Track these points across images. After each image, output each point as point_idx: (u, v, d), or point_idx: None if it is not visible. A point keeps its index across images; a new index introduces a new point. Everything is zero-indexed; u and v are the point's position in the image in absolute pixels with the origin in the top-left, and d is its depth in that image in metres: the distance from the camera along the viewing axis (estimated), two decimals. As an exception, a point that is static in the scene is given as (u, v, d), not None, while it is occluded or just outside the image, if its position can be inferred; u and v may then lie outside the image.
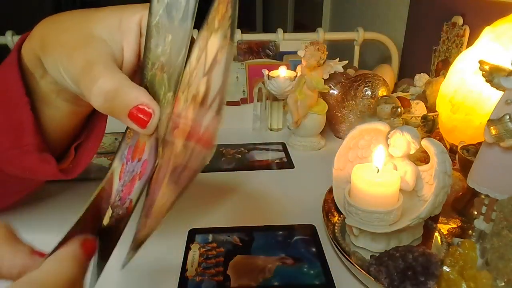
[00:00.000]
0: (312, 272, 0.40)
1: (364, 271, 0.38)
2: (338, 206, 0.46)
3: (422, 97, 0.77)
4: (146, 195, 0.27)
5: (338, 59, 0.68)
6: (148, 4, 0.30)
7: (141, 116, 0.28)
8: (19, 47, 0.35)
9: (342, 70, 0.69)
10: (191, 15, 0.26)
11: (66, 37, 0.31)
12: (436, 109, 0.63)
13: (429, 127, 0.65)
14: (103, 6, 0.33)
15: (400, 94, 0.82)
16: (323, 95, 0.71)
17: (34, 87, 0.35)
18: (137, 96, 0.28)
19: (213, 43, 0.25)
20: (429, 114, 0.66)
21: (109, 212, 0.28)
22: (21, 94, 0.34)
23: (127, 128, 0.32)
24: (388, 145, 0.44)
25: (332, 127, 0.76)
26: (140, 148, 0.30)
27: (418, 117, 0.67)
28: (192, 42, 0.27)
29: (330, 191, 0.51)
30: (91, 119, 0.41)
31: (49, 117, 0.37)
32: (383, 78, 0.71)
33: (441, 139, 0.62)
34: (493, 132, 0.39)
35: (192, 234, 0.46)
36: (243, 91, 0.87)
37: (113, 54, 0.31)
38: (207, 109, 0.24)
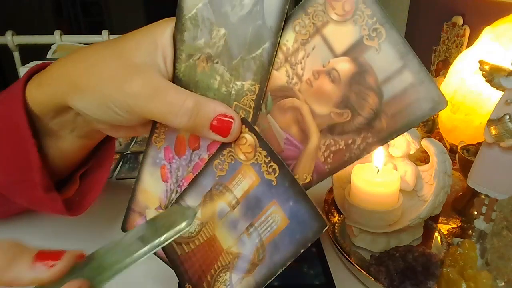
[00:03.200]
0: (312, 272, 0.40)
1: (364, 271, 0.38)
2: (338, 206, 0.46)
3: (422, 97, 0.77)
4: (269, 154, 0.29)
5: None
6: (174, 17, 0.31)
7: (222, 125, 0.29)
8: (23, 87, 0.33)
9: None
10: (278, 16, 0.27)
11: (108, 74, 0.30)
12: (436, 109, 0.63)
13: (429, 127, 0.65)
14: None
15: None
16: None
17: (41, 125, 0.34)
18: (214, 107, 0.29)
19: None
20: (429, 114, 0.66)
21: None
22: (28, 135, 0.33)
23: (151, 135, 0.34)
24: (388, 145, 0.44)
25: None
26: (183, 142, 0.32)
27: (418, 117, 0.67)
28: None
29: (330, 191, 0.51)
30: (98, 150, 0.41)
31: (56, 150, 0.36)
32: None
33: (441, 139, 0.62)
34: (493, 132, 0.39)
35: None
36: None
37: (164, 74, 0.31)
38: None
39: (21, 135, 0.33)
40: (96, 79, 0.30)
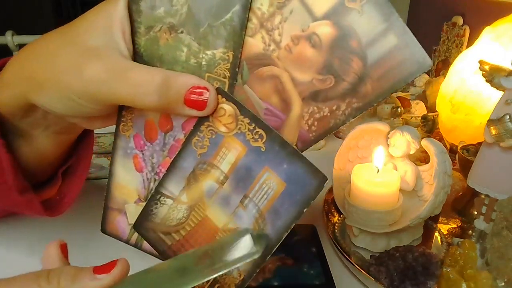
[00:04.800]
0: (312, 272, 0.40)
1: (364, 271, 0.38)
2: (338, 206, 0.46)
3: (422, 97, 0.77)
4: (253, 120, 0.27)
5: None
6: None
7: (197, 98, 0.27)
8: None
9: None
10: None
11: (64, 63, 0.28)
12: (436, 109, 0.63)
13: (429, 127, 0.65)
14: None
15: (400, 94, 0.82)
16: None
17: (11, 126, 0.33)
18: (186, 80, 0.27)
19: None
20: (429, 114, 0.66)
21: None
22: None
23: (118, 125, 0.32)
24: (388, 145, 0.44)
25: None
26: (153, 125, 0.30)
27: (418, 117, 0.67)
28: None
29: (330, 191, 0.51)
30: (77, 147, 0.39)
31: (30, 150, 0.35)
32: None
33: (441, 139, 0.62)
34: (493, 132, 0.39)
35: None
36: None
37: (124, 53, 0.29)
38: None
39: None
40: (53, 71, 0.28)
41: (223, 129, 0.28)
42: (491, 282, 0.34)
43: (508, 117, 0.38)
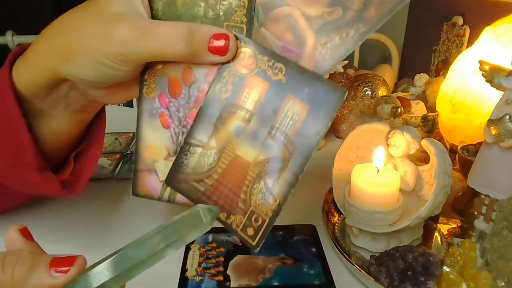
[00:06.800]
0: (312, 272, 0.40)
1: (364, 271, 0.38)
2: (338, 206, 0.46)
3: (422, 97, 0.77)
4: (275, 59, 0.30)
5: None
6: None
7: (220, 44, 0.30)
8: (9, 71, 0.33)
9: (342, 70, 0.69)
10: None
11: (92, 31, 0.30)
12: (436, 109, 0.63)
13: (429, 127, 0.65)
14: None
15: (400, 94, 0.82)
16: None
17: (31, 106, 0.34)
18: (208, 29, 0.30)
19: None
20: (429, 114, 0.66)
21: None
22: (18, 115, 0.33)
23: (141, 89, 0.34)
24: (388, 145, 0.44)
25: (332, 127, 0.76)
26: (177, 82, 0.33)
27: (418, 117, 0.67)
28: None
29: (330, 191, 0.51)
30: (90, 130, 0.41)
31: (48, 131, 0.36)
32: (383, 78, 0.71)
33: (441, 139, 0.62)
34: (493, 132, 0.39)
35: (192, 234, 0.46)
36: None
37: (146, 17, 0.31)
38: None
39: (11, 117, 0.33)
40: (82, 40, 0.30)
41: (244, 70, 0.31)
42: (491, 282, 0.34)
43: (508, 117, 0.38)
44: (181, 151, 0.33)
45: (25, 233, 0.24)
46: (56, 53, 0.31)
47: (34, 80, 0.33)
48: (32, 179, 0.35)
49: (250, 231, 0.31)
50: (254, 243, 0.31)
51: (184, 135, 0.33)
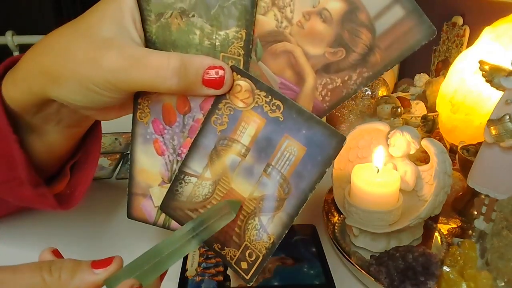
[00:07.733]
0: (312, 272, 0.40)
1: (364, 271, 0.38)
2: (338, 206, 0.46)
3: (422, 97, 0.77)
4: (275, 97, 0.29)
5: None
6: None
7: (214, 77, 0.28)
8: None
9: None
10: None
11: (80, 56, 0.28)
12: (436, 109, 0.63)
13: (429, 127, 0.65)
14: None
15: (400, 94, 0.82)
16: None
17: (22, 121, 0.33)
18: (201, 61, 0.28)
19: None
20: (429, 114, 0.66)
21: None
22: (8, 131, 0.32)
23: (135, 112, 0.33)
24: (388, 145, 0.44)
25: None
26: (171, 109, 0.32)
27: (418, 117, 0.67)
28: None
29: (330, 191, 0.51)
30: (85, 141, 0.40)
31: (41, 145, 0.35)
32: (383, 78, 0.71)
33: (441, 139, 0.62)
34: (493, 132, 0.39)
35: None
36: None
37: (137, 41, 0.30)
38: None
39: (2, 133, 0.32)
40: (70, 63, 0.29)
41: (240, 104, 0.29)
42: (491, 282, 0.34)
43: (508, 117, 0.38)
44: (176, 179, 0.32)
45: (57, 254, 0.26)
46: (44, 74, 0.30)
47: (23, 98, 0.32)
48: (25, 194, 0.35)
49: (244, 265, 0.31)
50: (248, 277, 0.31)
51: (179, 164, 0.32)
